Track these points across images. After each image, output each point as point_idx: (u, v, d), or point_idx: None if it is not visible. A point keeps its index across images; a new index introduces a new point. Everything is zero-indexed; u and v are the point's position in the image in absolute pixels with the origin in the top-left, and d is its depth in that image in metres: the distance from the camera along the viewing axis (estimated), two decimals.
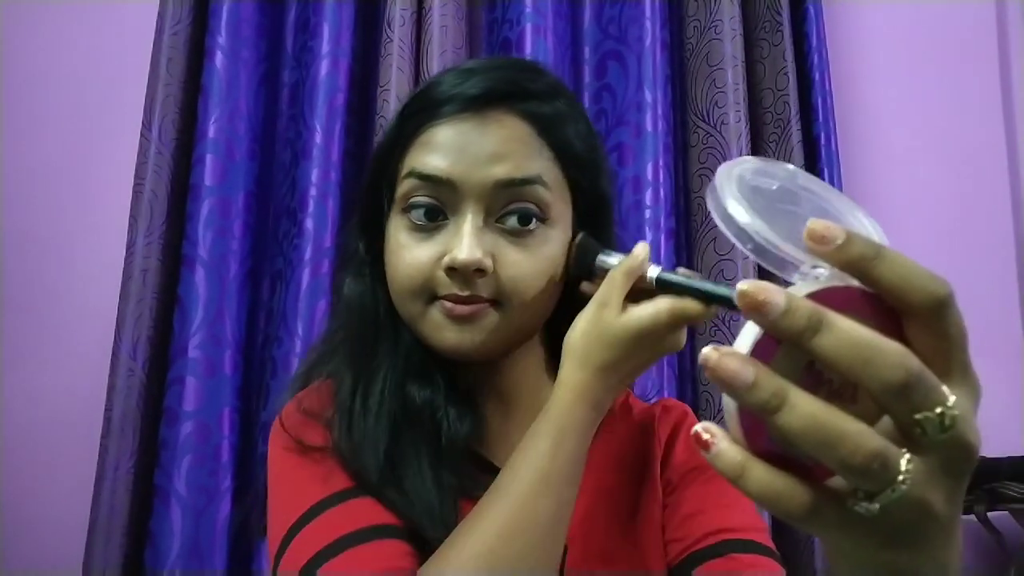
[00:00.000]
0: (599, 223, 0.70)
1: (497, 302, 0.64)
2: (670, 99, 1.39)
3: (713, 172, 1.34)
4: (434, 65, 1.30)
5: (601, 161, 0.72)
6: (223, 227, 1.27)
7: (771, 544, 0.65)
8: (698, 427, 0.33)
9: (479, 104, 0.64)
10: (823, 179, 1.36)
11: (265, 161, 1.35)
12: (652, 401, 0.79)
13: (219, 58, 1.29)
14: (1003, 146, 1.46)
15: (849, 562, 0.34)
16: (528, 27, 1.31)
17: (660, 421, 0.74)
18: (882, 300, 0.32)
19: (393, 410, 0.65)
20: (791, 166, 0.41)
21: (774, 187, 0.37)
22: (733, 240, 0.35)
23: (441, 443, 0.64)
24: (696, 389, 1.31)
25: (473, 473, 0.65)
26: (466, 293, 0.62)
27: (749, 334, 0.32)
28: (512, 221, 0.64)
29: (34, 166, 1.41)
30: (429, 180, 0.63)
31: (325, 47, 1.31)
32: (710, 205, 0.36)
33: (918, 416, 0.30)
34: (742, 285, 0.31)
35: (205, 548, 1.18)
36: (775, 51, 1.40)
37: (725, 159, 1.32)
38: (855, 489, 0.31)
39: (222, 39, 1.30)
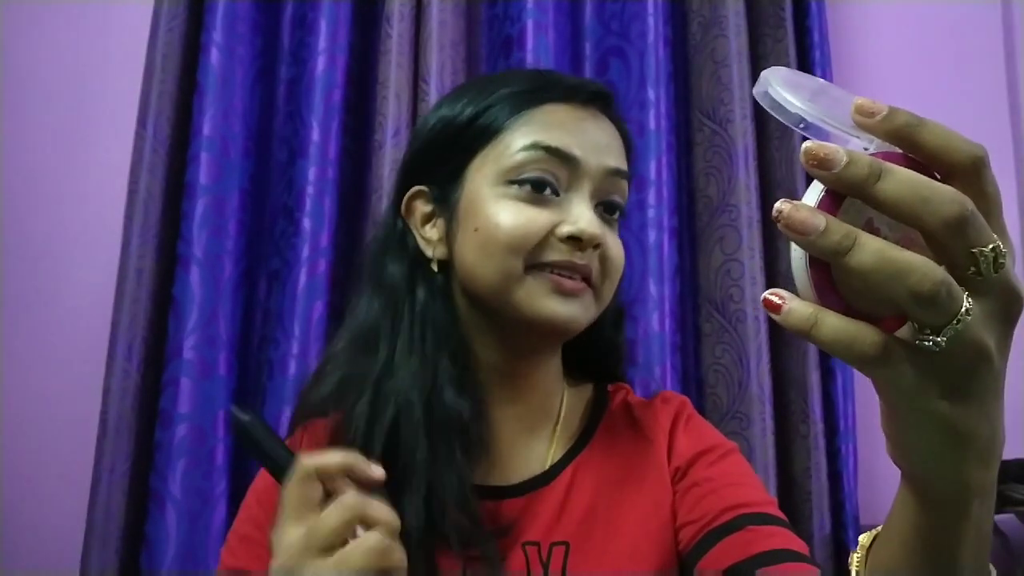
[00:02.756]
0: (624, 216, 0.76)
1: (589, 283, 0.67)
2: (673, 96, 1.37)
3: (719, 171, 1.32)
4: (433, 61, 1.28)
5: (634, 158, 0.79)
6: (218, 226, 1.25)
7: (784, 517, 0.65)
8: (766, 293, 0.35)
9: (594, 99, 0.71)
10: None
11: (261, 159, 1.34)
12: (650, 396, 0.81)
13: (214, 55, 1.27)
14: (1009, 145, 1.44)
15: (910, 417, 0.35)
16: (529, 23, 1.29)
17: (660, 412, 0.76)
18: (924, 167, 0.35)
19: (423, 406, 0.65)
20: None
21: (811, 84, 0.40)
22: (786, 122, 0.37)
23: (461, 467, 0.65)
24: (702, 391, 1.29)
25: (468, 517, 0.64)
26: (583, 261, 0.65)
27: (812, 193, 0.35)
28: (603, 209, 0.69)
29: (28, 164, 1.40)
30: (555, 154, 0.66)
31: (322, 43, 1.28)
32: (759, 97, 0.38)
33: (974, 250, 0.33)
34: (806, 144, 0.33)
35: (200, 551, 1.16)
36: (778, 47, 1.38)
37: (731, 157, 1.30)
38: (922, 327, 0.33)
39: (217, 36, 1.28)
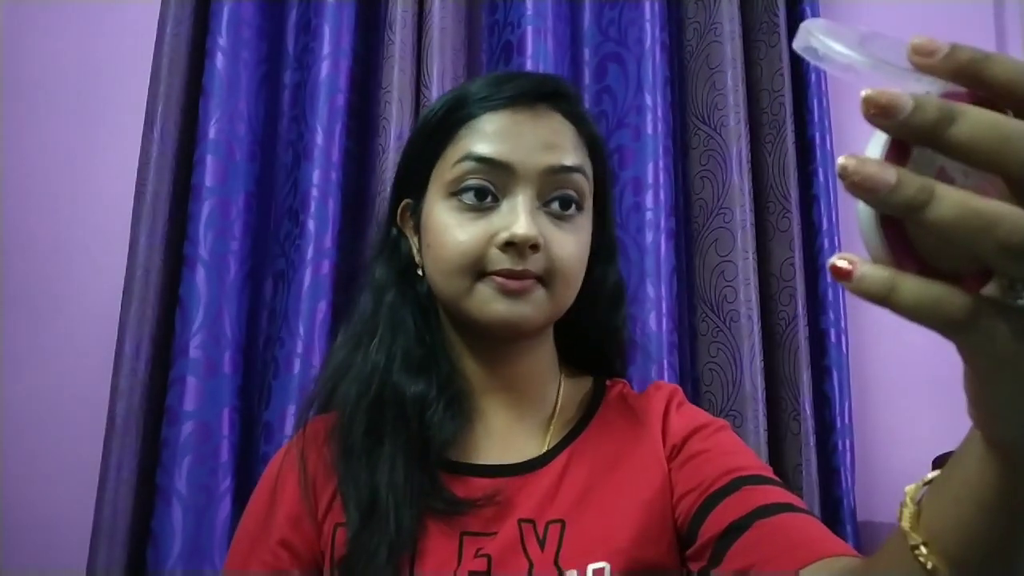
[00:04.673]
0: (607, 218, 0.78)
1: (542, 280, 0.69)
2: (670, 101, 1.39)
3: (714, 175, 1.34)
4: (435, 67, 1.31)
5: (608, 153, 0.80)
6: (223, 227, 1.27)
7: (779, 479, 0.67)
8: (832, 259, 0.31)
9: (531, 99, 0.71)
10: (817, 181, 1.37)
11: (266, 162, 1.36)
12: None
13: (220, 59, 1.30)
14: None
15: (1002, 382, 0.32)
16: (529, 29, 1.32)
17: (653, 398, 0.77)
18: (994, 105, 0.31)
19: (374, 394, 0.70)
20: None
21: (854, 32, 0.36)
22: (836, 72, 0.34)
23: (423, 442, 0.68)
24: (698, 390, 1.32)
25: (442, 482, 0.68)
26: (520, 267, 0.67)
27: (876, 145, 0.32)
28: (556, 206, 0.70)
29: (36, 167, 1.42)
30: (486, 163, 0.68)
31: (326, 48, 1.31)
32: (802, 50, 0.35)
33: None
34: (865, 92, 0.30)
35: (206, 548, 1.18)
36: (772, 52, 1.41)
37: (726, 161, 1.33)
38: (1013, 283, 0.30)
39: (222, 40, 1.30)
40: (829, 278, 1.32)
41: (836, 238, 1.34)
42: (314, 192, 1.26)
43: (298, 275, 1.24)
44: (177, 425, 1.19)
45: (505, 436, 0.74)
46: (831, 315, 1.31)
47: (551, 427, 0.75)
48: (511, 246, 0.67)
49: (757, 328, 1.28)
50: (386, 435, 0.69)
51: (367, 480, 0.68)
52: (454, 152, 0.70)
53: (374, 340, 0.73)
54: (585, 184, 0.72)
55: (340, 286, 1.27)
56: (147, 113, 1.28)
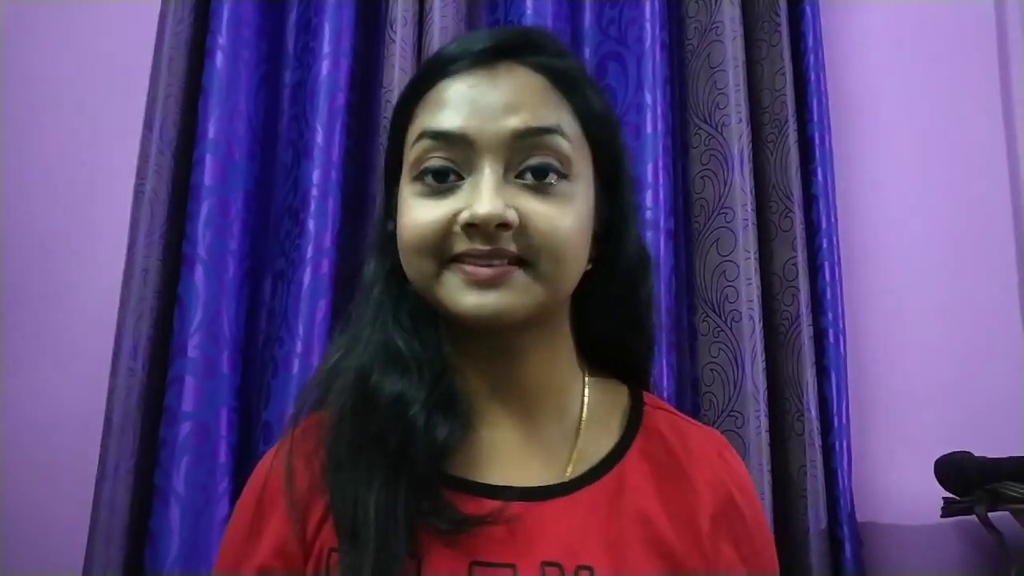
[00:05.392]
0: (619, 185, 0.68)
1: (524, 261, 0.59)
2: (670, 100, 1.39)
3: (715, 174, 1.34)
4: None
5: (617, 120, 0.70)
6: (222, 227, 1.27)
7: None
8: None
9: (488, 57, 0.62)
10: (816, 180, 1.36)
11: (266, 161, 1.35)
12: (691, 417, 0.73)
13: (219, 58, 1.30)
14: (1003, 147, 1.45)
15: None
16: None
17: (708, 450, 0.67)
18: None
19: (355, 398, 0.61)
20: None
21: None
22: None
23: (411, 450, 0.58)
24: (698, 390, 1.31)
25: (444, 498, 0.59)
26: (488, 247, 0.58)
27: None
28: (531, 176, 0.60)
29: (35, 166, 1.42)
30: (442, 138, 0.60)
31: (326, 47, 1.31)
32: None
33: None
34: None
35: (203, 549, 1.17)
36: (773, 51, 1.40)
37: (726, 161, 1.32)
38: None
39: (222, 39, 1.30)
40: (827, 278, 1.31)
41: (835, 238, 1.34)
42: (314, 191, 1.26)
43: (298, 275, 1.24)
44: (175, 425, 1.19)
45: (518, 451, 0.64)
46: (829, 315, 1.31)
47: (576, 444, 0.65)
48: (473, 227, 0.58)
49: (759, 328, 1.27)
50: (371, 443, 0.59)
51: (351, 497, 0.58)
52: (413, 130, 0.63)
53: (361, 340, 0.65)
54: (565, 145, 0.61)
55: (340, 286, 1.27)
56: (146, 112, 1.28)
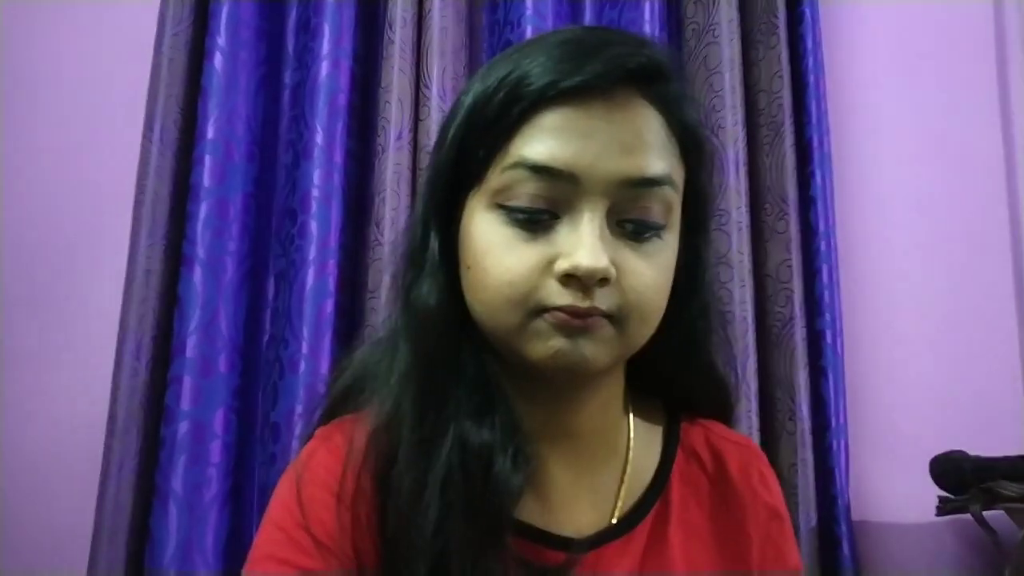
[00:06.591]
0: (703, 230, 0.62)
1: (611, 317, 0.54)
2: None
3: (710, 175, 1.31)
4: (435, 67, 1.31)
5: (713, 151, 0.64)
6: (221, 227, 1.28)
7: None
8: None
9: (606, 83, 0.54)
10: (815, 183, 1.37)
11: (266, 162, 1.36)
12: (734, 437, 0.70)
13: (218, 59, 1.30)
14: (1000, 149, 1.46)
15: None
16: (529, 29, 1.32)
17: (743, 487, 0.66)
18: None
19: (451, 465, 0.55)
20: None
21: None
22: None
23: (491, 501, 0.54)
24: None
25: (516, 550, 0.55)
26: (586, 305, 0.52)
27: None
28: (633, 226, 0.55)
29: (36, 168, 1.42)
30: (545, 172, 0.53)
31: (326, 48, 1.31)
32: None
33: None
34: None
35: (199, 548, 1.18)
36: (771, 54, 1.40)
37: (722, 163, 1.33)
38: None
39: (221, 40, 1.31)
40: (825, 280, 1.32)
41: (832, 240, 1.35)
42: (315, 192, 1.27)
43: (300, 275, 1.25)
44: (174, 424, 1.20)
45: (568, 495, 0.61)
46: (827, 317, 1.32)
47: (622, 486, 0.63)
48: (573, 279, 0.52)
49: (752, 329, 1.28)
50: (449, 492, 0.54)
51: (425, 547, 0.53)
52: (505, 155, 0.55)
53: (426, 380, 0.58)
54: (674, 197, 0.56)
55: (344, 286, 1.27)
56: (146, 113, 1.29)
